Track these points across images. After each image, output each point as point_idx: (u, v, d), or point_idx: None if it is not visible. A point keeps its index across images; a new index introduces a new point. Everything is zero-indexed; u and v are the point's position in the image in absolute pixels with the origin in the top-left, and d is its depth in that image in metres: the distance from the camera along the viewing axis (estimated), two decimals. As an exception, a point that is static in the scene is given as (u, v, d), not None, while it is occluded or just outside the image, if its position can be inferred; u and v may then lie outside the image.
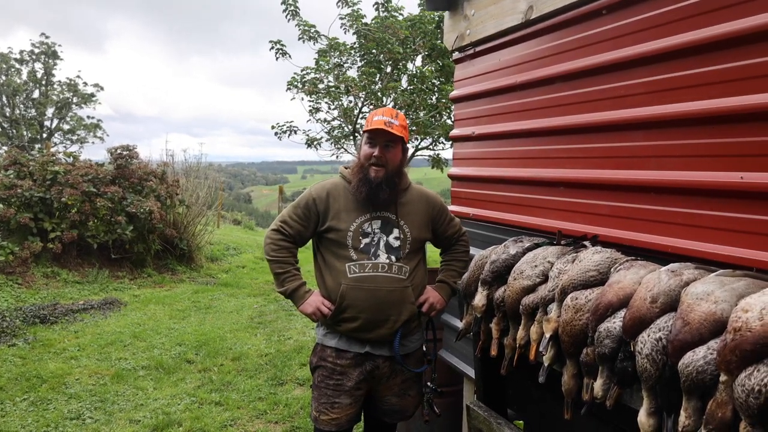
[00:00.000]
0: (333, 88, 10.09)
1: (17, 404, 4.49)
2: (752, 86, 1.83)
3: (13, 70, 27.17)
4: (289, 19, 10.03)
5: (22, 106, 27.70)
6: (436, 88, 10.36)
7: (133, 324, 6.86)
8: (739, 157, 1.88)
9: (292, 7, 9.98)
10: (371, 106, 10.00)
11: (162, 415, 4.38)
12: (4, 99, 27.11)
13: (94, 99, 28.99)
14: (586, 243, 2.30)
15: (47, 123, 28.69)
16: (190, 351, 5.93)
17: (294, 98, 10.28)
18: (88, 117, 29.59)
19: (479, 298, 2.36)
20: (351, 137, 10.49)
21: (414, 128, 10.05)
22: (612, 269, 1.94)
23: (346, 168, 2.81)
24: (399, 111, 2.74)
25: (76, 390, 4.81)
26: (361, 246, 2.65)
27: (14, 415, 4.30)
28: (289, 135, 10.77)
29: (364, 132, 2.70)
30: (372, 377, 2.73)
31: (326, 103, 10.44)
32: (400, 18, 10.10)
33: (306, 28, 10.06)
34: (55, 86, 28.42)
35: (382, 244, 2.68)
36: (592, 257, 2.01)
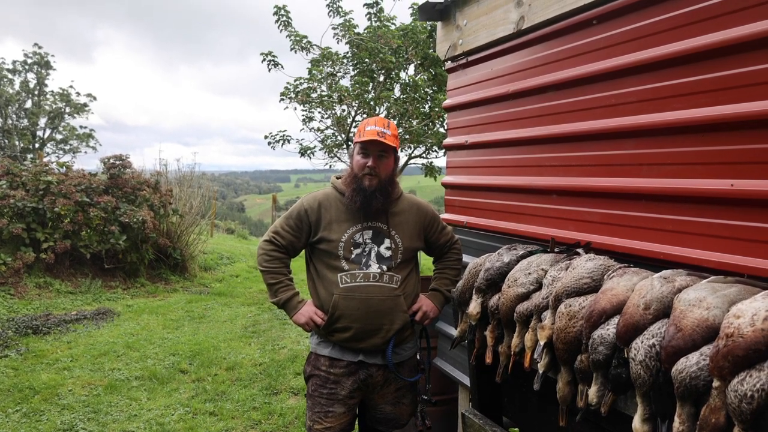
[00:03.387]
0: (326, 98, 10.10)
1: (10, 416, 4.45)
2: (742, 95, 1.86)
3: (5, 80, 27.07)
4: (281, 30, 10.06)
5: (14, 116, 27.57)
6: (428, 97, 10.39)
7: (127, 334, 6.83)
8: (730, 164, 1.90)
9: (284, 18, 10.01)
10: (364, 115, 10.02)
11: (156, 425, 4.36)
12: (-3, 109, 27.01)
13: (86, 109, 28.91)
14: (580, 250, 2.31)
15: (40, 133, 28.56)
16: (183, 361, 5.90)
17: (287, 107, 10.30)
18: (81, 127, 29.48)
19: (474, 306, 2.37)
20: (344, 146, 10.50)
21: (407, 137, 10.07)
22: (605, 276, 1.95)
23: (337, 178, 2.82)
24: (390, 120, 2.76)
25: (69, 401, 4.78)
26: (353, 256, 2.66)
27: (7, 427, 4.26)
28: (282, 144, 10.78)
29: (356, 142, 2.70)
30: (366, 386, 2.73)
31: (319, 112, 10.46)
32: (393, 27, 10.14)
33: (298, 38, 10.09)
34: (47, 96, 28.32)
35: (373, 254, 2.68)
36: (585, 264, 2.02)
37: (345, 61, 10.25)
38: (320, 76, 10.19)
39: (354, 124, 10.28)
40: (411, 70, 10.56)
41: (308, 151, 10.76)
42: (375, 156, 2.64)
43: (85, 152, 29.64)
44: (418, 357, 2.91)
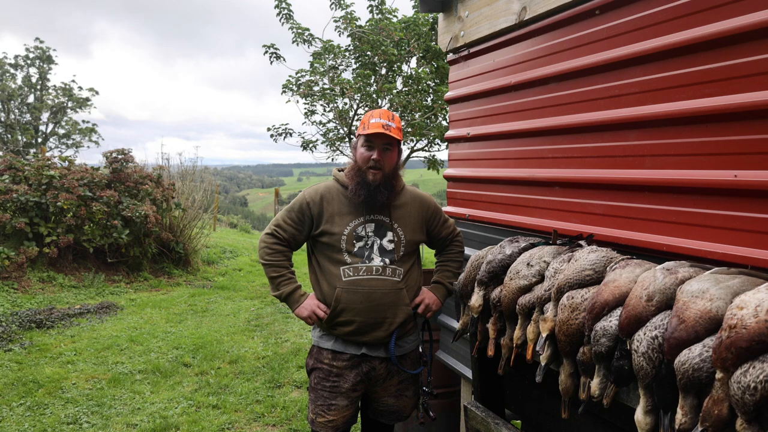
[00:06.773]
0: (328, 91, 10.08)
1: (14, 409, 4.47)
2: (745, 84, 1.84)
3: (8, 75, 27.08)
4: (282, 23, 10.03)
5: (17, 110, 27.61)
6: (431, 90, 10.36)
7: (130, 328, 6.85)
8: (733, 155, 1.89)
9: (286, 11, 9.98)
10: (366, 108, 10.00)
11: (159, 419, 4.37)
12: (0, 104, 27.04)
13: (89, 103, 28.92)
14: (582, 242, 2.30)
15: (42, 127, 28.60)
16: (187, 354, 5.92)
17: (289, 101, 10.29)
18: (83, 121, 29.51)
19: (476, 299, 2.36)
20: (346, 139, 10.49)
21: (409, 130, 10.05)
22: (608, 268, 1.94)
23: (340, 170, 2.81)
24: (394, 113, 2.74)
25: (72, 394, 4.79)
26: (355, 249, 2.65)
27: (11, 420, 4.28)
28: (285, 137, 10.79)
29: (360, 135, 2.68)
30: (368, 379, 2.73)
31: (321, 105, 10.45)
32: (394, 20, 10.10)
33: (300, 31, 10.06)
34: (50, 91, 28.33)
35: (375, 247, 2.67)
36: (587, 256, 2.01)
37: (347, 54, 10.23)
38: (322, 69, 10.17)
39: (356, 117, 10.26)
40: (413, 62, 10.53)
41: (310, 145, 10.76)
42: (380, 149, 2.62)
43: (88, 147, 29.72)
44: (420, 350, 2.91)
